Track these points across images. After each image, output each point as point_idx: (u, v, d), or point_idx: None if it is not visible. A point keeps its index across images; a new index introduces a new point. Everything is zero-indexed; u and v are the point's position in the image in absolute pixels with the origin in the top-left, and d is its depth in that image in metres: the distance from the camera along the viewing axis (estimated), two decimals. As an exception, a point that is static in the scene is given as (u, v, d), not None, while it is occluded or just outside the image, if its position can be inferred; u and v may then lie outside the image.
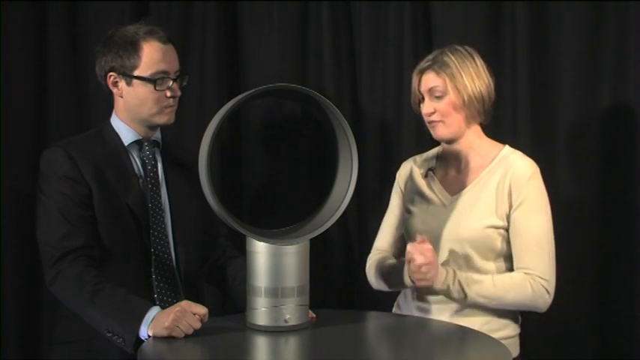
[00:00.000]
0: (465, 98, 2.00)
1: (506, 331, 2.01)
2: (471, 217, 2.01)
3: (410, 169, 2.19)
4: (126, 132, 2.03)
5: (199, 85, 2.55)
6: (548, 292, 1.97)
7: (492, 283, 1.97)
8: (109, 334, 1.81)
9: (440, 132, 2.05)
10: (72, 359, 1.95)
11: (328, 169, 2.02)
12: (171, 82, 2.00)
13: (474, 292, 1.95)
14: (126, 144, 2.03)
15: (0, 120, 2.45)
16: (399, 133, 2.52)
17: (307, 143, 2.59)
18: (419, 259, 1.90)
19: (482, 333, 1.89)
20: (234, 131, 2.60)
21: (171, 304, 1.97)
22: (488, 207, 2.00)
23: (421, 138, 2.31)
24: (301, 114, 2.57)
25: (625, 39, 2.35)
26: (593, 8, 2.38)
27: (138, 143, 2.04)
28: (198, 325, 1.76)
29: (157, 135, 2.09)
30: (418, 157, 2.22)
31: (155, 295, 1.97)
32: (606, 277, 2.37)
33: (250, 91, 1.82)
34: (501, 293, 1.96)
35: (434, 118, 2.03)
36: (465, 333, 1.89)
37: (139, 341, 1.76)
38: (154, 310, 1.78)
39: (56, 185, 1.93)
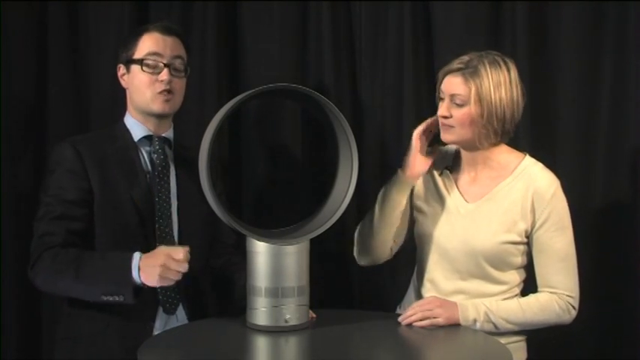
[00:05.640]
0: (486, 114, 1.91)
1: (513, 335, 1.98)
2: (488, 231, 1.96)
3: None
4: (136, 127, 2.05)
5: (199, 85, 2.55)
6: (574, 307, 1.97)
7: (520, 309, 1.94)
8: (105, 298, 1.82)
9: (448, 137, 1.98)
10: (76, 355, 1.96)
11: (328, 169, 2.02)
12: (162, 66, 2.00)
13: (502, 321, 1.93)
14: (136, 140, 2.04)
15: (0, 120, 2.45)
16: (399, 133, 2.51)
17: (307, 143, 2.59)
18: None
19: (482, 333, 1.89)
20: (234, 131, 2.60)
21: (173, 301, 1.98)
22: (507, 222, 1.96)
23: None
24: (301, 114, 2.57)
25: (625, 39, 2.35)
26: (593, 8, 2.38)
27: (148, 139, 2.05)
28: (185, 267, 1.79)
29: (169, 133, 2.10)
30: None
31: (158, 289, 1.97)
32: (605, 278, 2.36)
33: (250, 91, 1.82)
34: (530, 318, 1.95)
35: (448, 122, 1.96)
36: (465, 333, 1.89)
37: (137, 291, 1.81)
38: (137, 256, 1.82)
39: (55, 181, 1.95)
